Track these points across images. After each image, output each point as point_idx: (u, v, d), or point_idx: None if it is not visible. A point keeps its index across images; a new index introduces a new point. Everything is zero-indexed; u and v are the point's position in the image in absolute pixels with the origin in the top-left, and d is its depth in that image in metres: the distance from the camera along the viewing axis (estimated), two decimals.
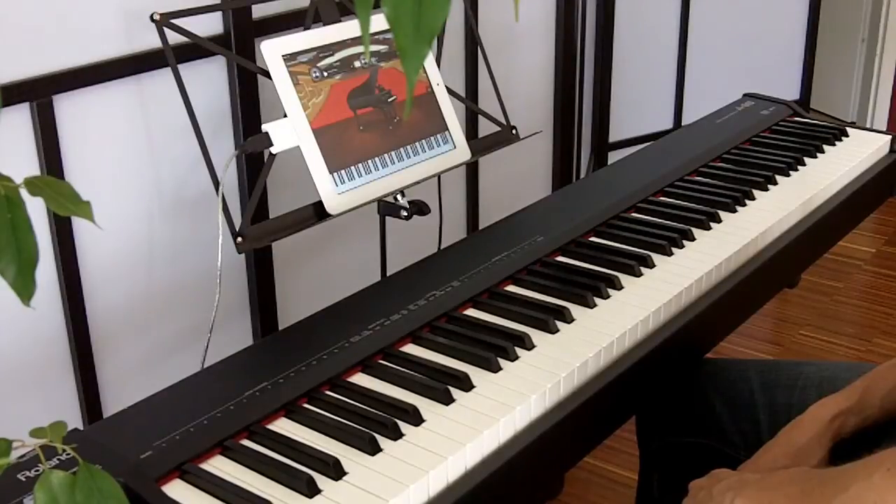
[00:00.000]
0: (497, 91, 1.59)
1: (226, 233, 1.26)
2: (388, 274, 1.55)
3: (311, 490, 0.90)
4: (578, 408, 1.06)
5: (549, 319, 1.16)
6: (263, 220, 1.32)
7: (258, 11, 1.61)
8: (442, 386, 1.04)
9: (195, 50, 1.39)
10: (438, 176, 1.50)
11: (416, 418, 1.00)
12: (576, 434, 1.11)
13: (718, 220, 1.44)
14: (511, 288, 1.26)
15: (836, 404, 1.12)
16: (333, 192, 1.32)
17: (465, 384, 1.05)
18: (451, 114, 1.48)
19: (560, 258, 1.34)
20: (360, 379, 1.08)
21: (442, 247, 1.53)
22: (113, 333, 1.54)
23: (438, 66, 1.50)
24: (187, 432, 0.97)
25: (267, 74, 1.30)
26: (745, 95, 1.94)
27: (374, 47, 1.41)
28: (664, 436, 1.37)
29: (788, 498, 0.96)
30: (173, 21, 1.27)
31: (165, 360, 1.61)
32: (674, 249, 1.35)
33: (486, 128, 1.86)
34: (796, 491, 0.96)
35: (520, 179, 2.35)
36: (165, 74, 1.37)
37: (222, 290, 1.30)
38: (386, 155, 1.39)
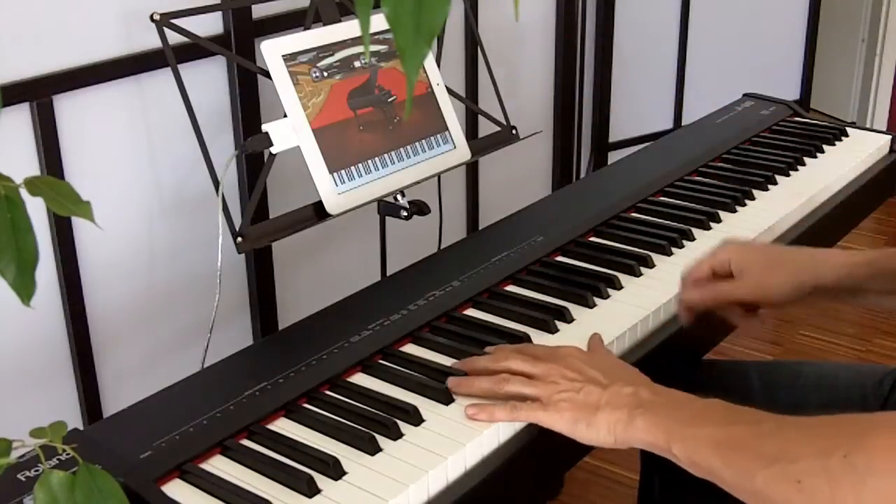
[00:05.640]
0: (497, 91, 1.59)
1: (226, 233, 1.26)
2: (388, 274, 1.55)
3: (311, 490, 0.90)
4: None
5: (549, 319, 1.16)
6: (263, 220, 1.32)
7: (258, 11, 1.61)
8: (442, 386, 1.04)
9: (195, 50, 1.39)
10: (438, 176, 1.50)
11: (416, 418, 1.00)
12: None
13: (718, 220, 1.44)
14: (511, 288, 1.26)
15: None
16: (333, 192, 1.32)
17: None
18: (451, 114, 1.48)
19: (560, 258, 1.34)
20: (360, 379, 1.08)
21: (442, 247, 1.53)
22: (113, 333, 1.54)
23: (438, 66, 1.50)
24: (187, 432, 0.97)
25: (267, 74, 1.30)
26: (745, 95, 1.94)
27: (374, 47, 1.41)
28: None
29: (715, 446, 0.84)
30: (173, 21, 1.27)
31: (165, 360, 1.61)
32: (674, 249, 1.35)
33: (486, 128, 1.86)
34: (723, 437, 0.83)
35: (520, 179, 2.35)
36: (165, 74, 1.37)
37: (222, 290, 1.30)
38: (386, 155, 1.39)
